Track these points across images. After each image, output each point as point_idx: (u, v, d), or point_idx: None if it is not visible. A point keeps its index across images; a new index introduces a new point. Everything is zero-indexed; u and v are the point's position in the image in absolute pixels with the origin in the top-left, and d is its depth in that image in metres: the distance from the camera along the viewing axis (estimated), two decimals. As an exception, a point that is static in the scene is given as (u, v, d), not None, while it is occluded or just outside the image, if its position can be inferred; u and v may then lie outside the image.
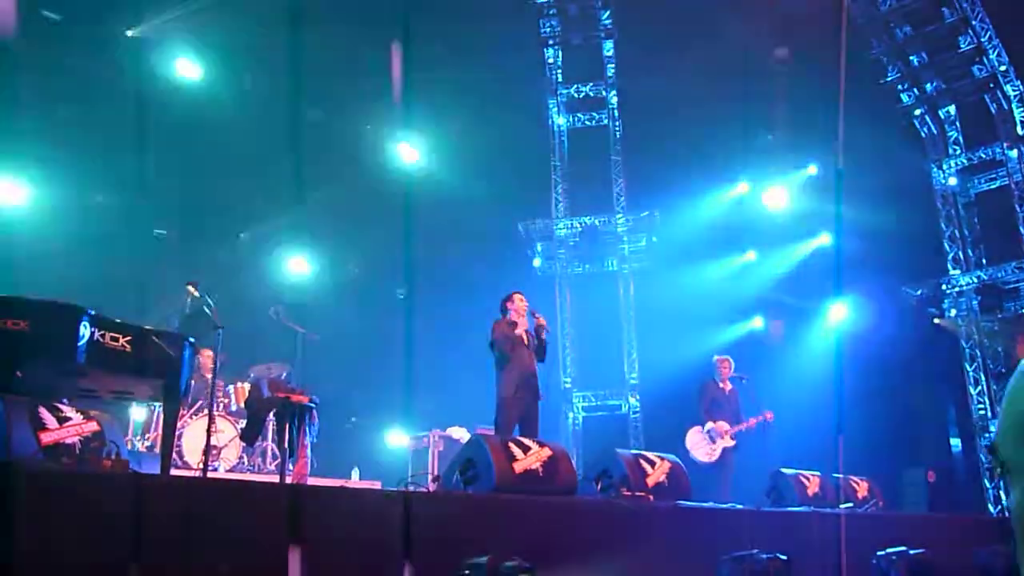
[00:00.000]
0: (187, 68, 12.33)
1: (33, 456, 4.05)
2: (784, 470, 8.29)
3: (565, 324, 15.11)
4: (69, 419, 4.43)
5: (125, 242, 11.35)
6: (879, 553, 6.69)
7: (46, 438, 4.22)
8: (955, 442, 14.15)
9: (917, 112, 14.57)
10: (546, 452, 6.07)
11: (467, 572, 4.49)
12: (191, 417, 8.69)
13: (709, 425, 9.26)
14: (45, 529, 3.27)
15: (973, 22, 13.31)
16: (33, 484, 3.31)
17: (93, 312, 4.96)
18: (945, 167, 14.45)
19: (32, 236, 10.43)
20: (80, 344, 4.84)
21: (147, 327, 5.55)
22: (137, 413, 8.82)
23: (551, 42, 15.60)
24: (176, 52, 12.23)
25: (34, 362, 4.68)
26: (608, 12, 15.25)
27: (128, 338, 5.17)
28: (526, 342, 7.70)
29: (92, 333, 4.95)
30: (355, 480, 9.61)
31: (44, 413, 4.33)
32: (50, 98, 11.00)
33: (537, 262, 15.63)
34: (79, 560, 3.33)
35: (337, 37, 12.96)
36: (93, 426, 4.50)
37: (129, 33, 11.94)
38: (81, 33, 11.42)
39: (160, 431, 7.87)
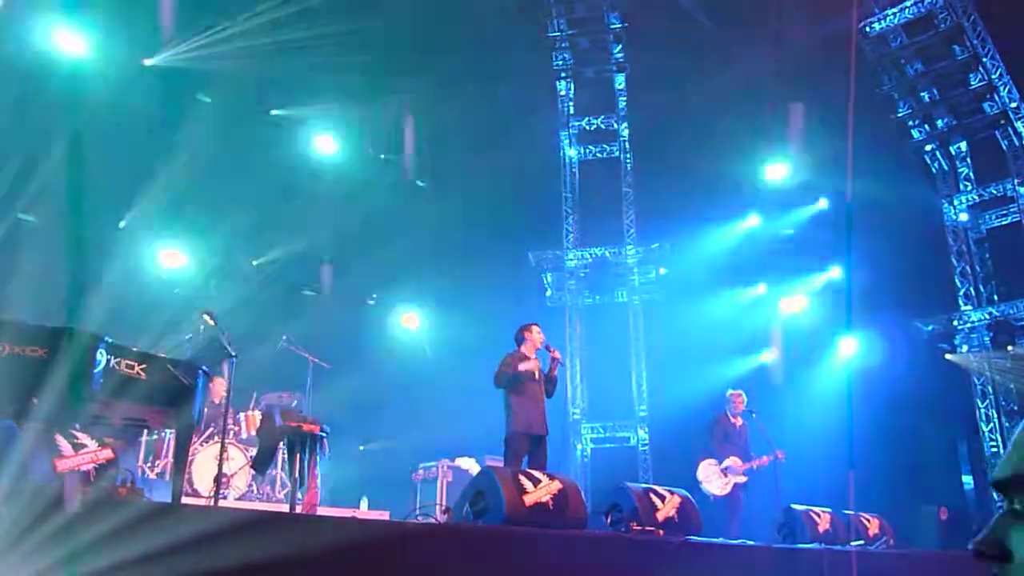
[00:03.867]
0: (202, 97, 12.58)
1: (49, 483, 4.07)
2: (795, 506, 8.23)
3: (574, 355, 15.09)
4: (84, 446, 4.45)
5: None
6: (891, 592, 6.63)
7: (62, 465, 4.24)
8: (967, 479, 14.02)
9: (928, 148, 14.64)
10: (556, 485, 6.05)
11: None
12: (201, 445, 8.71)
13: (725, 462, 9.21)
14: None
15: (984, 59, 13.41)
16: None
17: (109, 340, 5.00)
18: (956, 203, 14.48)
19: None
20: (96, 371, 4.88)
21: (162, 355, 5.59)
22: (147, 440, 8.84)
23: (563, 75, 15.80)
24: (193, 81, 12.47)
25: (50, 389, 4.70)
26: (620, 46, 15.44)
27: (143, 366, 5.19)
28: (536, 377, 7.68)
29: (108, 360, 4.99)
30: (364, 510, 9.58)
31: (60, 440, 4.36)
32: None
33: (548, 292, 15.66)
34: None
35: (350, 67, 13.13)
36: (108, 453, 4.52)
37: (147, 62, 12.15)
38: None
39: (171, 458, 7.91)
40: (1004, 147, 13.78)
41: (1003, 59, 13.40)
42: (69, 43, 11.07)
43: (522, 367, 7.51)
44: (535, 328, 7.83)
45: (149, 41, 11.84)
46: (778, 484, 9.03)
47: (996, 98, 13.57)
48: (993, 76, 13.44)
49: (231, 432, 9.09)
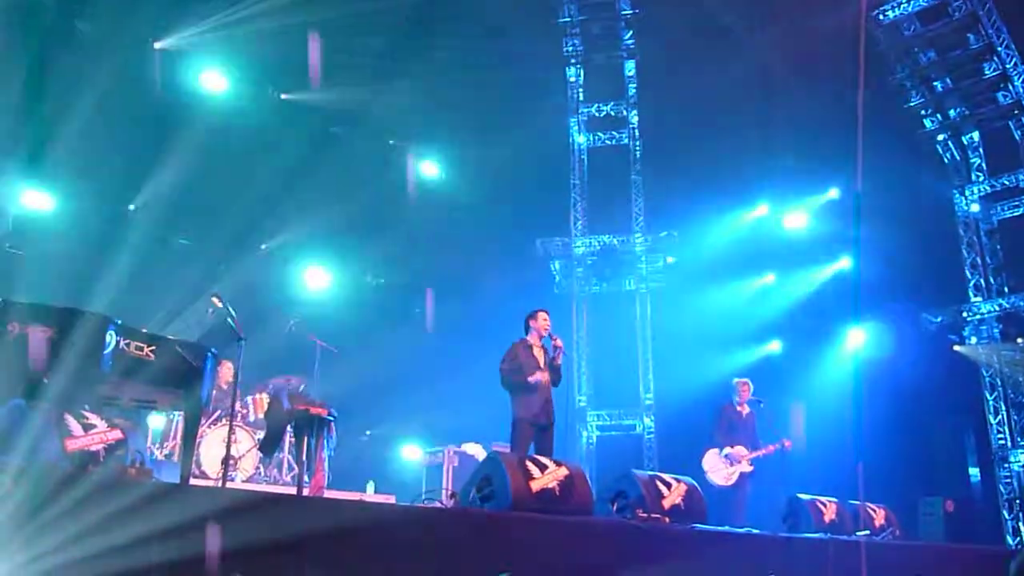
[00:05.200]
0: (213, 81, 12.55)
1: (59, 462, 4.10)
2: (801, 496, 8.22)
3: (581, 343, 15.09)
4: (94, 426, 4.48)
5: (147, 250, 11.47)
6: (896, 582, 6.63)
7: (72, 445, 4.27)
8: (974, 472, 13.99)
9: (940, 138, 14.53)
10: (563, 471, 6.06)
11: (483, 590, 4.50)
12: (209, 427, 8.74)
13: (728, 449, 9.20)
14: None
15: (998, 48, 13.30)
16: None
17: (119, 321, 5.01)
18: (968, 193, 14.37)
19: (56, 242, 10.63)
20: (106, 352, 4.89)
21: (171, 337, 5.60)
22: (155, 421, 8.88)
23: (573, 61, 15.73)
24: (202, 64, 12.44)
25: (60, 369, 4.72)
26: (631, 32, 15.36)
27: (152, 348, 5.20)
28: (541, 366, 7.65)
29: (117, 342, 5.00)
30: (370, 494, 9.61)
31: (70, 420, 4.38)
32: (77, 109, 11.07)
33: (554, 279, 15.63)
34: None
35: (360, 51, 13.08)
36: (117, 434, 4.54)
37: (156, 45, 12.10)
38: (108, 44, 11.50)
39: (179, 440, 7.95)
40: (1017, 137, 13.67)
41: (1018, 48, 13.28)
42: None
43: (532, 379, 7.43)
44: (540, 315, 7.77)
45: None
46: (784, 473, 9.02)
47: (1010, 88, 13.46)
48: (1007, 65, 13.32)
49: (239, 415, 9.13)
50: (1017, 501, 12.78)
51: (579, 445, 14.57)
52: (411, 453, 12.00)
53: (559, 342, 7.67)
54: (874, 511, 8.58)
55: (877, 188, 11.71)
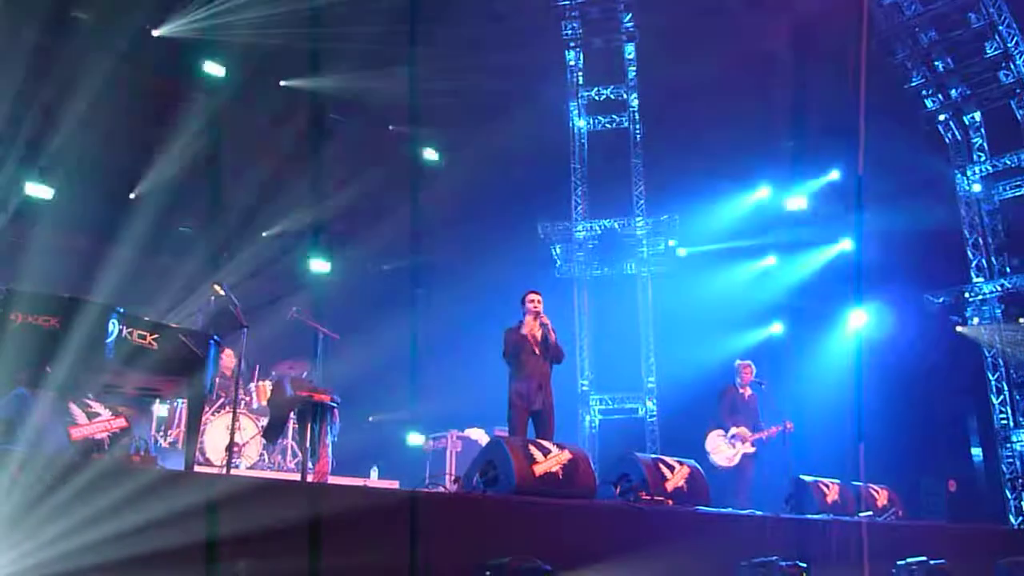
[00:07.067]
0: (212, 67, 12.49)
1: (63, 450, 4.11)
2: (804, 477, 8.25)
3: (583, 327, 15.11)
4: (98, 415, 4.48)
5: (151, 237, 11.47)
6: (899, 562, 6.67)
7: (76, 433, 4.28)
8: (976, 452, 14.03)
9: (941, 118, 14.46)
10: (566, 455, 6.08)
11: (487, 573, 4.52)
12: (213, 415, 8.76)
13: (732, 431, 9.23)
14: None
15: (1000, 28, 13.21)
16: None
17: (122, 310, 5.02)
18: (969, 173, 14.33)
19: (58, 230, 10.57)
20: (108, 341, 4.89)
21: (174, 325, 5.61)
22: (159, 409, 8.88)
23: (573, 44, 15.66)
24: (201, 52, 12.39)
25: (63, 358, 4.73)
26: (630, 15, 15.29)
27: (155, 336, 5.20)
28: (536, 352, 7.64)
29: (120, 330, 5.01)
30: (374, 479, 9.64)
31: (74, 408, 4.39)
32: (76, 96, 10.99)
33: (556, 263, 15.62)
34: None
35: (359, 36, 13.01)
36: (121, 422, 4.55)
37: (154, 33, 12.05)
38: (107, 32, 11.41)
39: (183, 428, 7.97)
40: (1019, 117, 13.61)
41: (1019, 27, 13.20)
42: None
43: (525, 331, 7.61)
44: (527, 297, 7.85)
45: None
46: (787, 455, 9.05)
47: (1012, 67, 13.39)
48: (1009, 45, 13.24)
49: (242, 402, 9.14)
50: (1019, 480, 12.83)
51: (582, 429, 14.62)
52: (414, 439, 12.02)
53: (545, 319, 7.69)
54: (876, 492, 8.62)
55: (879, 169, 11.68)
